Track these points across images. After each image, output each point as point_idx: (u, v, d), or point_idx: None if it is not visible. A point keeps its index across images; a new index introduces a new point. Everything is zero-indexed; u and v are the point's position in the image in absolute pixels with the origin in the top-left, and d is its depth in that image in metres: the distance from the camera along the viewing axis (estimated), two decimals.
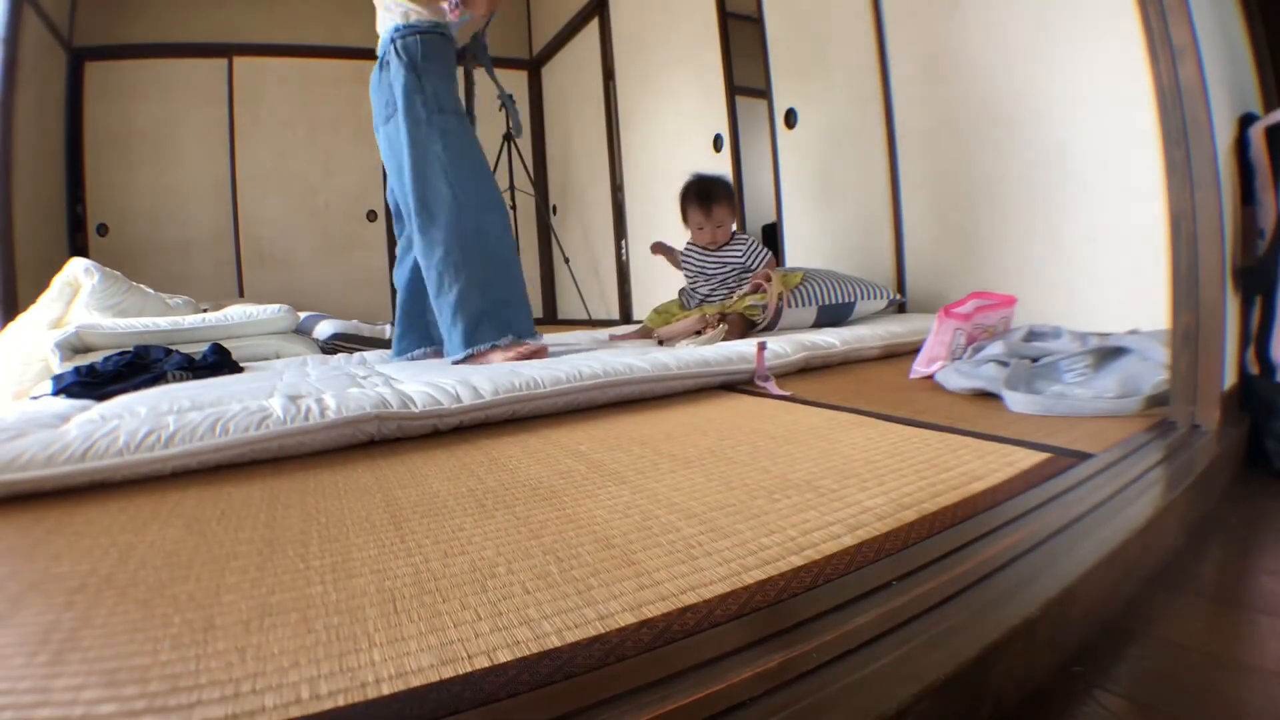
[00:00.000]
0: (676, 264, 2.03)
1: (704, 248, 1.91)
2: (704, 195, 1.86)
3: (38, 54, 3.25)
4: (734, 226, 1.93)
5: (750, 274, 1.87)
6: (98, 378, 1.33)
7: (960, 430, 0.86)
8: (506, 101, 1.80)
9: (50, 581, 0.51)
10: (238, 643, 0.41)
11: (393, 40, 1.49)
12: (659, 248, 2.05)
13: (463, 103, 1.59)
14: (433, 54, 1.50)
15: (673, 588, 0.46)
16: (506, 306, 1.52)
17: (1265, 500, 0.76)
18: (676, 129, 3.17)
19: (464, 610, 0.44)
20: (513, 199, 4.08)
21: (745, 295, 1.79)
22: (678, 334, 1.76)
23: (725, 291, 1.89)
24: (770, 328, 1.78)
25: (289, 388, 1.11)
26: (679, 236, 2.00)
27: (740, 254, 1.87)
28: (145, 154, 3.89)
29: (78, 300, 2.14)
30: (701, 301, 1.93)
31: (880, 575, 0.47)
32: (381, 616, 0.43)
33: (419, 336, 1.76)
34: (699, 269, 1.93)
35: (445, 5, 1.49)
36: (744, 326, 1.73)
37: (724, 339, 1.64)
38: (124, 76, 3.84)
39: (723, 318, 1.74)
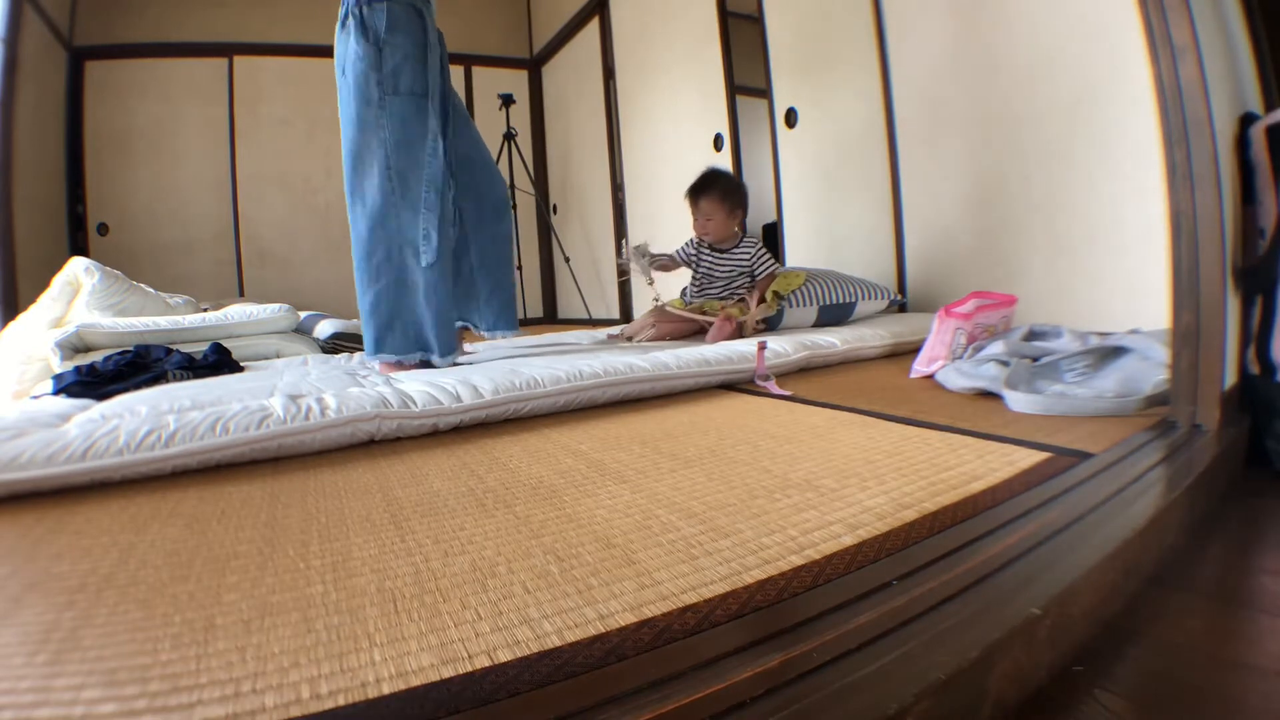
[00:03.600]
0: (672, 266, 1.98)
1: (710, 248, 1.91)
2: (695, 187, 1.88)
3: (38, 54, 3.25)
4: (736, 229, 1.92)
5: (753, 279, 1.88)
6: (98, 377, 1.33)
7: (961, 430, 0.86)
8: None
9: (51, 581, 0.51)
10: (238, 642, 0.41)
11: (358, 4, 1.33)
12: (657, 264, 1.93)
13: (432, 81, 1.40)
14: (398, 26, 1.34)
15: (673, 587, 0.46)
16: (419, 323, 1.42)
17: (1265, 500, 0.76)
18: (677, 128, 3.17)
19: (464, 610, 0.44)
20: (513, 198, 4.08)
21: (729, 307, 1.80)
22: (637, 330, 1.78)
23: (729, 295, 1.89)
24: (771, 328, 1.79)
25: (289, 387, 1.11)
26: (678, 236, 2.00)
27: (747, 258, 1.87)
28: (145, 153, 3.89)
29: (78, 300, 2.14)
30: (700, 300, 1.94)
31: (881, 575, 0.47)
32: (382, 616, 0.43)
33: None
34: (708, 271, 1.93)
35: None
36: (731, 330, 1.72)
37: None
38: (124, 76, 3.84)
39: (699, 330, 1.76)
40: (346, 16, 1.36)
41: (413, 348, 1.42)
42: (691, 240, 1.96)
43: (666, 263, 1.95)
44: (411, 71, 1.36)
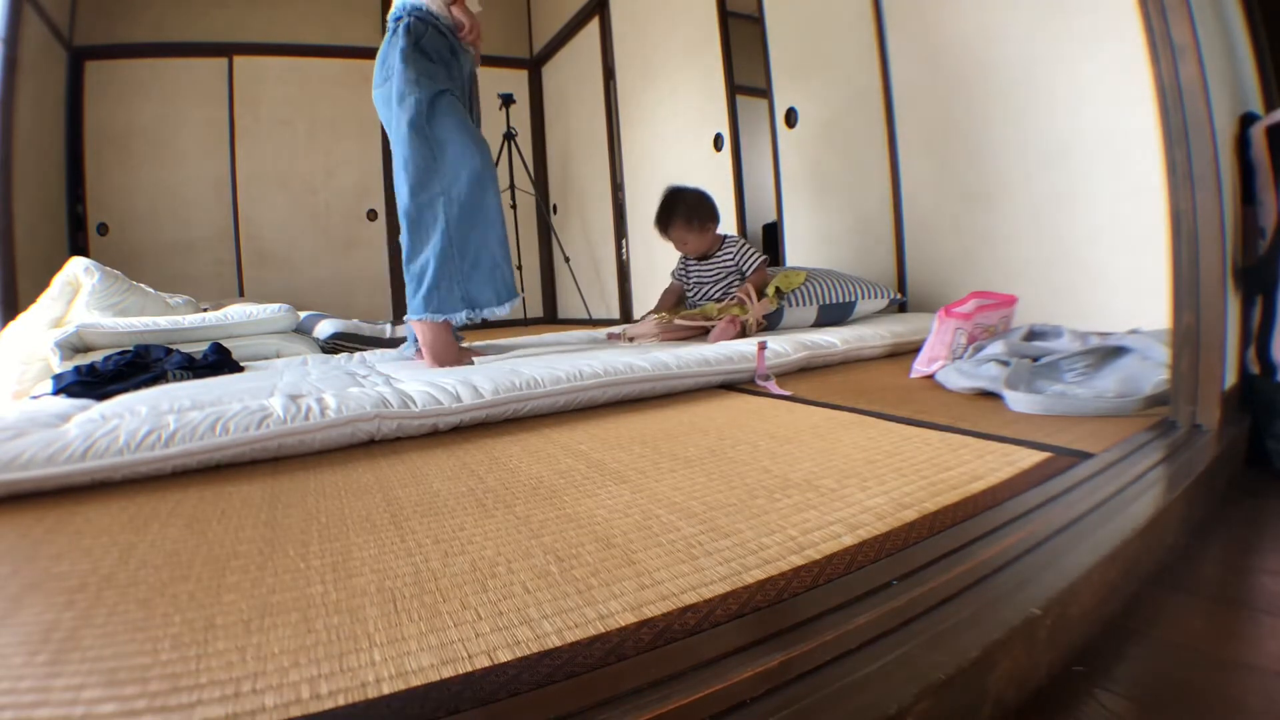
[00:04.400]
0: (678, 293, 2.05)
1: (695, 260, 1.94)
2: (659, 219, 1.91)
3: (38, 54, 3.25)
4: (718, 231, 1.95)
5: (743, 275, 1.89)
6: (98, 377, 1.33)
7: (961, 430, 0.86)
8: None
9: (51, 581, 0.51)
10: (238, 642, 0.41)
11: (402, 16, 1.47)
12: (669, 309, 1.98)
13: (458, 98, 1.53)
14: (433, 46, 1.47)
15: (673, 587, 0.46)
16: (465, 280, 1.48)
17: (1265, 500, 0.76)
18: (677, 128, 3.17)
19: (464, 610, 0.44)
20: (513, 198, 4.09)
21: (728, 306, 1.80)
22: (642, 334, 1.78)
23: (726, 295, 1.90)
24: (771, 327, 1.78)
25: (289, 387, 1.11)
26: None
27: (731, 259, 1.88)
28: (145, 153, 3.89)
29: (78, 300, 2.14)
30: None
31: (881, 575, 0.47)
32: (382, 616, 0.43)
33: None
34: (696, 280, 1.96)
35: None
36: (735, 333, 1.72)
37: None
38: (124, 76, 3.84)
39: (704, 331, 1.76)
40: (394, 25, 1.48)
41: (459, 305, 1.48)
42: (680, 259, 2.01)
43: (676, 294, 2.01)
44: (436, 77, 1.46)
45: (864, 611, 0.42)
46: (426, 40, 1.46)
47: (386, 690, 0.35)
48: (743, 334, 1.70)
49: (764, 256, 1.90)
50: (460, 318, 1.47)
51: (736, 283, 1.89)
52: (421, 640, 0.40)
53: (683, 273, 2.00)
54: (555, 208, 4.73)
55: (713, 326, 1.71)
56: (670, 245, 1.99)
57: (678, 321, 1.79)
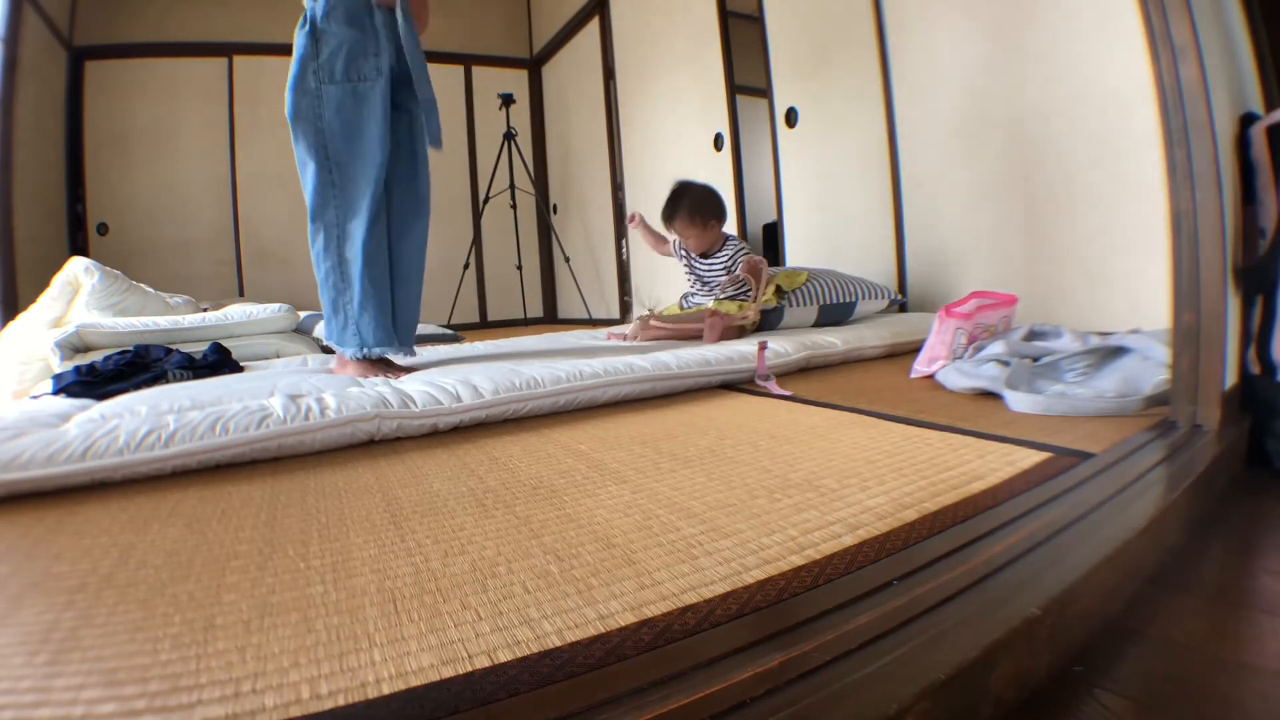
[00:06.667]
0: (655, 245, 2.04)
1: (699, 256, 1.93)
2: (665, 212, 1.91)
3: (38, 54, 3.25)
4: (723, 231, 1.93)
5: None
6: (98, 377, 1.33)
7: (961, 430, 0.86)
8: (428, 108, 1.38)
9: (51, 581, 0.51)
10: (238, 642, 0.41)
11: None
12: (638, 222, 2.04)
13: (381, 69, 1.33)
14: (339, 13, 1.30)
15: (673, 587, 0.46)
16: (356, 317, 1.33)
17: (1265, 500, 0.76)
18: (677, 128, 3.17)
19: (464, 610, 0.44)
20: (513, 198, 4.09)
21: (725, 299, 1.80)
22: (629, 335, 1.78)
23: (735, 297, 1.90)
24: (771, 327, 1.78)
25: (289, 387, 1.11)
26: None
27: (726, 260, 1.88)
28: (145, 153, 3.89)
29: (78, 299, 2.14)
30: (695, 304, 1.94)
31: (881, 575, 0.47)
32: (382, 616, 0.43)
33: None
34: (701, 275, 1.95)
35: None
36: (732, 333, 1.72)
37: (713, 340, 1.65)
38: (124, 76, 3.84)
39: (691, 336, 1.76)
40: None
41: (352, 341, 1.34)
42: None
43: (657, 244, 2.02)
44: (350, 58, 1.30)
45: (864, 611, 0.42)
46: (327, 11, 1.35)
47: (386, 690, 0.35)
48: (736, 332, 1.70)
49: (759, 259, 1.90)
50: (358, 354, 1.34)
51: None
52: (421, 640, 0.40)
53: (685, 258, 1.98)
54: (555, 208, 4.73)
55: (695, 329, 1.71)
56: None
57: (653, 322, 1.78)
